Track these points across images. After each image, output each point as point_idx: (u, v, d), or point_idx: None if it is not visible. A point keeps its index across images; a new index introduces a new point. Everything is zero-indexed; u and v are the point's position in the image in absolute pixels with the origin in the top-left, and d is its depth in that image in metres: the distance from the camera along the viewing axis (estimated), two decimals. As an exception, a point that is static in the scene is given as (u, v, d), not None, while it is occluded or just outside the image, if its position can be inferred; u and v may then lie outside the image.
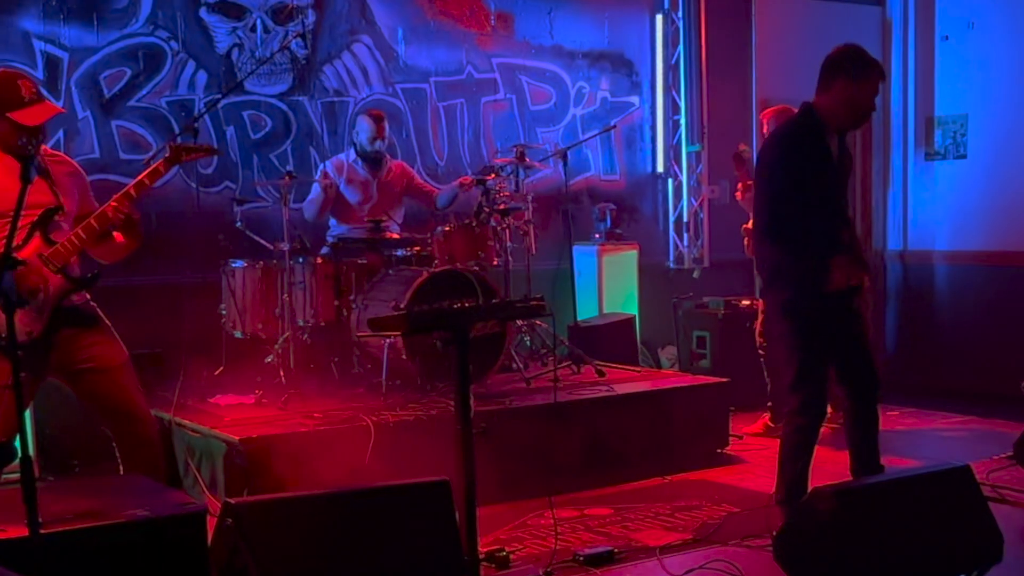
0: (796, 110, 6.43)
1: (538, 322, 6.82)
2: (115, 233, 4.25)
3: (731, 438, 6.40)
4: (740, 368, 7.08)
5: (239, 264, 6.36)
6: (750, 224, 6.71)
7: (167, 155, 4.31)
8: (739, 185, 6.79)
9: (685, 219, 8.69)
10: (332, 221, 6.90)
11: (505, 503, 5.16)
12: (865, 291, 4.88)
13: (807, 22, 8.68)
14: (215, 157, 6.89)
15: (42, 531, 2.78)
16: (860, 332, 4.75)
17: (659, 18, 8.63)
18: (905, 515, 3.79)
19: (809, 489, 4.57)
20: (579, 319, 7.61)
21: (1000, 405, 7.45)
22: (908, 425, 7.35)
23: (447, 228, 6.43)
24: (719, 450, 6.30)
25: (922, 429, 7.21)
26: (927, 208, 8.71)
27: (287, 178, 6.27)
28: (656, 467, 5.92)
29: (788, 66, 8.75)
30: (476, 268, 6.25)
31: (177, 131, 6.63)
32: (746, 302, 7.79)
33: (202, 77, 6.85)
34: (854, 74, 4.48)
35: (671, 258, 8.78)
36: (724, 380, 6.53)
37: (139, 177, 4.17)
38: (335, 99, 7.34)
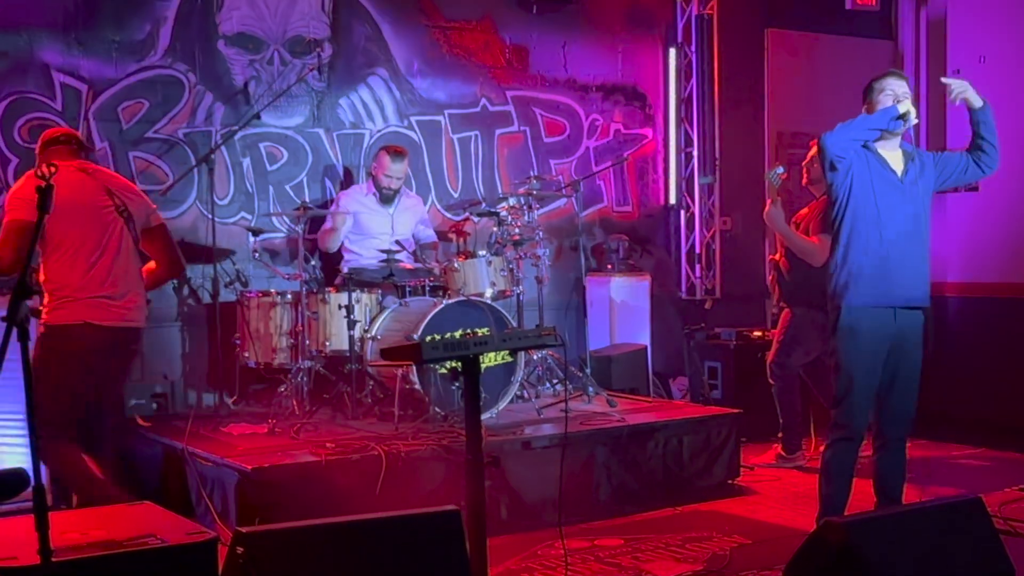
0: None
1: (550, 352, 6.84)
2: None
3: (742, 469, 6.39)
4: (752, 399, 7.09)
5: (254, 294, 6.42)
6: (776, 256, 6.71)
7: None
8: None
9: (698, 250, 8.71)
10: (346, 252, 6.94)
11: (516, 533, 5.16)
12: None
13: (819, 55, 8.71)
14: (231, 187, 6.96)
15: (54, 559, 2.79)
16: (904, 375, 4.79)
17: (672, 51, 8.68)
18: (916, 548, 3.78)
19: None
20: (591, 349, 7.62)
21: (1013, 437, 7.42)
22: (921, 456, 7.32)
23: (460, 258, 6.47)
24: (730, 481, 6.29)
25: (935, 461, 7.18)
26: (939, 240, 8.66)
27: (302, 209, 6.34)
28: (667, 498, 5.92)
29: (801, 99, 8.79)
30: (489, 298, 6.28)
31: (193, 162, 6.71)
32: (758, 333, 7.80)
33: (219, 109, 6.92)
34: None
35: (683, 289, 8.79)
36: (736, 411, 6.52)
37: None
38: (351, 131, 7.39)
